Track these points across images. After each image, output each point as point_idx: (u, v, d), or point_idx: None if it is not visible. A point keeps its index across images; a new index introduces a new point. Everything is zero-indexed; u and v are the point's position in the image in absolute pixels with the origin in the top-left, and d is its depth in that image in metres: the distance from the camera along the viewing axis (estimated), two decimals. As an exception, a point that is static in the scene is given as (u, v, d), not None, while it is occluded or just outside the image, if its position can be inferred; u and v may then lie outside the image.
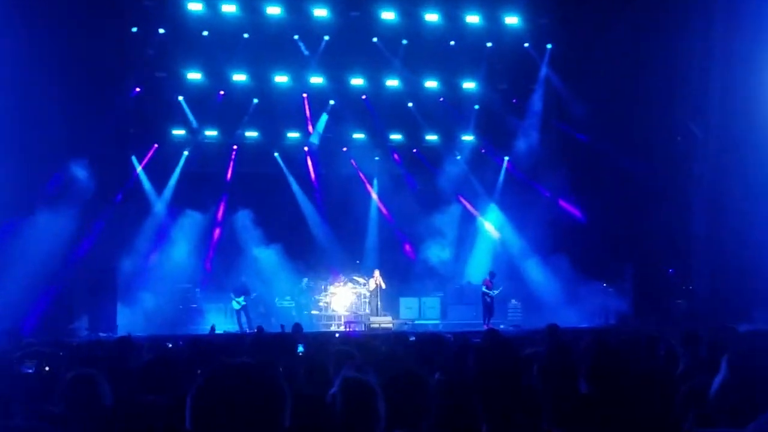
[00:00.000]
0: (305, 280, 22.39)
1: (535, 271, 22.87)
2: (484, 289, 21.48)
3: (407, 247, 24.32)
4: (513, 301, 22.83)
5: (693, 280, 21.27)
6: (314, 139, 24.11)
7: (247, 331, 19.46)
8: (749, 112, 19.37)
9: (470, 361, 3.24)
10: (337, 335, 16.54)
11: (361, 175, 24.78)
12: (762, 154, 19.30)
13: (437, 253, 23.20)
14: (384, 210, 24.79)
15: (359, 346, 8.75)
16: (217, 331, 18.13)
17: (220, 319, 20.98)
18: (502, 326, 20.76)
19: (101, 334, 17.93)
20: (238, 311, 20.99)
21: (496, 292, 21.41)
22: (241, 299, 21.00)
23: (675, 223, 20.70)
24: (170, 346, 9.87)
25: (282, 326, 15.36)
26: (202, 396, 2.03)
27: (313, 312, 22.19)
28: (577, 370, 4.54)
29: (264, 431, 2.01)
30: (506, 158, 24.96)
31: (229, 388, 2.02)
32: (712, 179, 20.23)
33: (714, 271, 20.28)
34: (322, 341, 11.81)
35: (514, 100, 24.59)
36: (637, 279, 21.37)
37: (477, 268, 23.55)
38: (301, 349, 8.20)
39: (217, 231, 23.39)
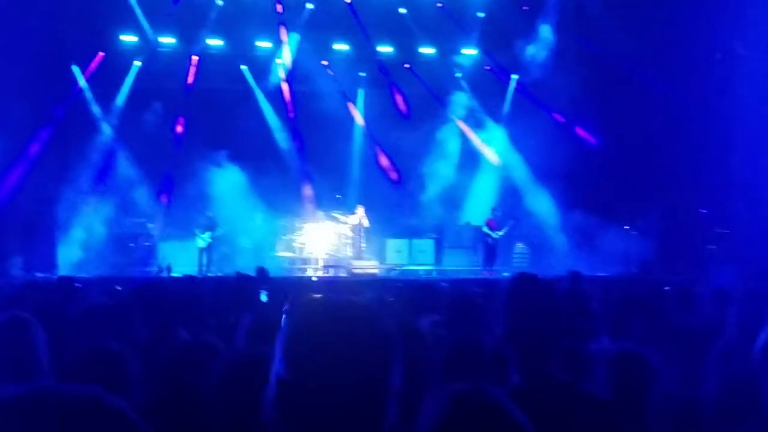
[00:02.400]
0: (260, 215, 22.19)
1: (546, 210, 22.89)
2: (485, 229, 21.51)
3: (395, 177, 24.22)
4: (519, 245, 22.87)
5: (728, 222, 21.32)
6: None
7: (208, 273, 19.49)
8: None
9: (500, 307, 3.22)
10: (314, 279, 16.64)
11: (344, 94, 24.52)
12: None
13: (432, 188, 23.11)
14: (370, 136, 24.62)
15: (341, 294, 8.75)
16: (174, 274, 18.13)
17: (178, 259, 20.96)
18: (505, 274, 20.85)
19: (38, 274, 17.89)
20: (201, 250, 20.98)
21: (500, 233, 21.44)
22: (206, 236, 20.96)
23: (709, 156, 20.66)
24: (119, 289, 9.86)
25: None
26: (296, 340, 1.95)
27: (285, 254, 22.14)
28: (597, 324, 4.58)
29: (373, 385, 1.94)
30: (514, 77, 24.71)
31: (329, 330, 1.94)
32: (755, 105, 20.12)
33: (753, 213, 20.33)
34: (294, 288, 11.86)
35: (525, 7, 24.20)
36: (664, 220, 21.41)
37: (478, 207, 23.49)
38: (264, 297, 8.19)
39: (174, 157, 23.20)
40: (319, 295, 2.08)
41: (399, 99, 24.48)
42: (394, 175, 24.23)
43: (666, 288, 8.10)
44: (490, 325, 3.88)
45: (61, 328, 5.26)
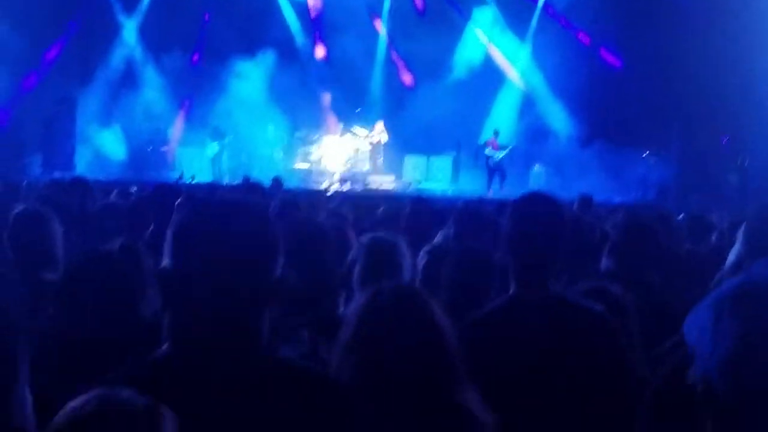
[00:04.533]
0: (277, 125, 22.13)
1: (565, 133, 22.75)
2: (487, 151, 21.46)
3: (410, 82, 23.96)
4: (537, 166, 22.78)
5: (749, 152, 21.14)
6: None
7: (221, 181, 19.57)
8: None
9: (506, 220, 3.28)
10: (328, 194, 16.70)
11: (368, 5, 24.19)
12: None
13: (453, 104, 22.90)
14: (393, 51, 24.38)
15: (352, 205, 8.84)
16: (187, 180, 18.23)
17: (196, 167, 21.07)
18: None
19: (56, 173, 18.08)
20: (212, 159, 21.07)
21: (501, 154, 21.35)
22: (215, 144, 21.02)
23: (734, 83, 20.34)
24: (134, 190, 9.98)
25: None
26: (185, 231, 2.04)
27: (301, 165, 22.18)
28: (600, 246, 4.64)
29: (254, 278, 2.04)
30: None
31: (218, 223, 2.03)
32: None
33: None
34: (308, 198, 11.94)
35: None
36: (684, 147, 21.27)
37: (499, 126, 23.36)
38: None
39: (196, 59, 23.11)
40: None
41: (423, 9, 24.08)
42: (408, 79, 24.04)
43: (680, 215, 8.12)
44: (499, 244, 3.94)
45: (76, 226, 5.39)
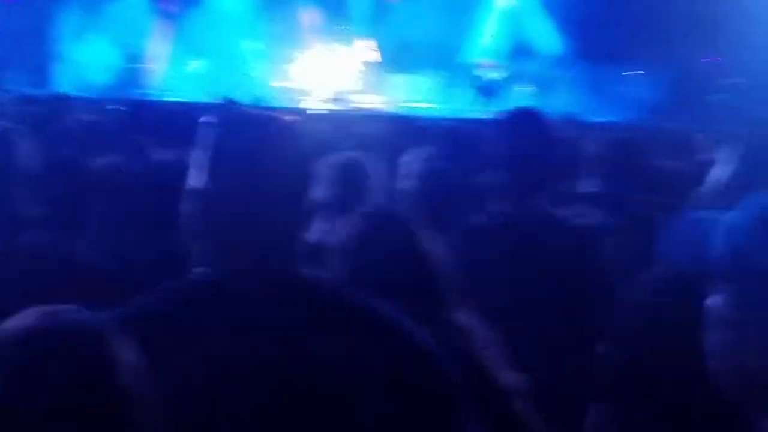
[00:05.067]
0: (257, 41, 21.76)
1: (555, 50, 22.55)
2: (480, 71, 21.31)
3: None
4: (524, 86, 22.62)
5: (740, 71, 21.10)
6: None
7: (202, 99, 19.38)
8: None
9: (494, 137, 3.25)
10: (318, 113, 16.65)
11: None
12: None
13: (439, 20, 22.56)
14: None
15: (334, 125, 8.77)
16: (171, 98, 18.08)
17: (179, 85, 20.83)
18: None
19: (31, 89, 17.77)
20: (194, 76, 20.84)
21: (495, 75, 21.20)
22: (196, 63, 20.80)
23: (731, 5, 20.22)
24: (113, 108, 9.84)
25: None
26: (224, 149, 2.00)
27: (282, 84, 21.94)
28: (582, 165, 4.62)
29: (294, 196, 2.00)
30: None
31: (258, 141, 1.99)
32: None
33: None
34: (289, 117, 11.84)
35: None
36: (673, 65, 21.20)
37: (484, 43, 23.07)
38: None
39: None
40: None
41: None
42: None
43: (667, 132, 8.12)
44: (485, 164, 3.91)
45: (47, 142, 5.29)
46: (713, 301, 1.49)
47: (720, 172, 2.62)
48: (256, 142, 1.95)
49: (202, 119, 2.08)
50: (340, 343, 1.91)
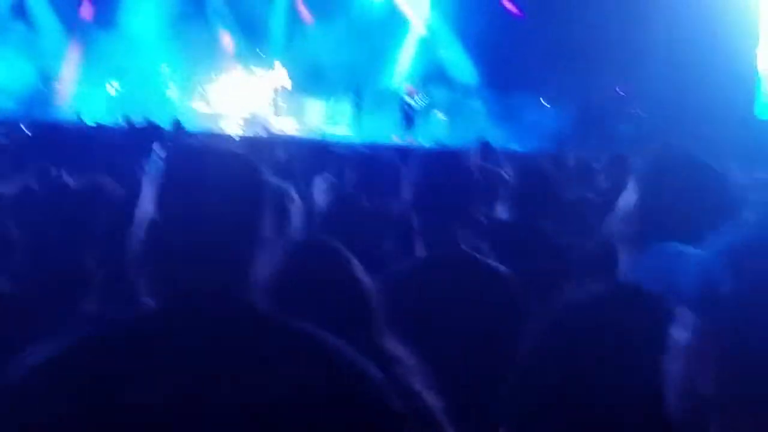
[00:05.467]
0: (174, 63, 21.63)
1: (468, 80, 22.88)
2: (405, 97, 21.45)
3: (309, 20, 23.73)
4: (437, 113, 22.87)
5: (643, 102, 21.69)
6: None
7: (122, 123, 19.08)
8: None
9: (410, 177, 3.27)
10: (237, 139, 16.50)
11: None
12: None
13: (353, 46, 22.66)
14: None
15: (252, 150, 8.73)
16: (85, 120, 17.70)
17: (90, 107, 20.47)
18: (422, 141, 20.94)
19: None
20: (111, 98, 20.53)
21: (421, 102, 21.40)
22: (114, 83, 20.51)
23: (632, 34, 20.77)
24: (22, 130, 9.59)
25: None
26: (175, 180, 1.96)
27: (199, 105, 21.74)
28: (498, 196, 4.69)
29: (245, 229, 1.98)
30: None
31: (211, 173, 1.95)
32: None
33: (671, 94, 20.70)
34: (207, 142, 11.73)
35: None
36: (581, 96, 21.68)
37: (401, 73, 23.30)
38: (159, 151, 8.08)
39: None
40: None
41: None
42: (308, 17, 23.75)
43: (570, 161, 8.31)
44: (404, 193, 3.94)
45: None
46: (677, 330, 1.53)
47: (626, 200, 2.70)
48: (202, 171, 1.94)
49: (154, 148, 2.07)
50: (286, 373, 1.91)
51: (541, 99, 21.86)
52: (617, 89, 21.98)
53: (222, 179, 1.93)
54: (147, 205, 1.95)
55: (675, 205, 2.57)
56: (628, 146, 19.39)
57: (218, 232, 1.90)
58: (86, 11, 22.21)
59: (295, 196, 3.58)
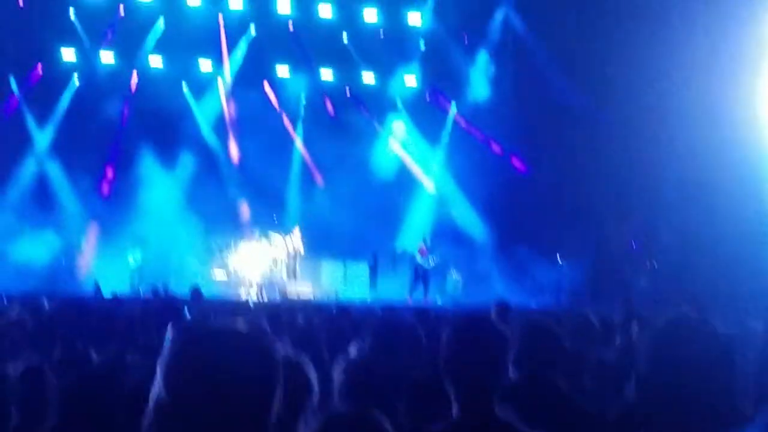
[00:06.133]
0: (194, 233, 22.00)
1: (480, 239, 23.11)
2: (418, 258, 21.62)
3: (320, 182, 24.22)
4: (453, 273, 22.97)
5: (657, 256, 21.70)
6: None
7: (142, 293, 19.24)
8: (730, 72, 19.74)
9: (445, 336, 3.30)
10: (251, 305, 16.56)
11: (284, 116, 24.56)
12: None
13: (368, 213, 23.08)
14: (308, 159, 24.66)
15: (270, 317, 8.77)
16: (104, 293, 17.85)
17: (111, 279, 20.66)
18: (438, 302, 20.95)
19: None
20: (133, 270, 20.76)
21: (431, 262, 21.57)
22: (137, 256, 20.76)
23: (644, 190, 21.04)
24: (45, 306, 9.68)
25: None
26: (179, 366, 1.97)
27: (218, 273, 21.96)
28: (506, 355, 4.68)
29: (255, 408, 1.99)
30: (454, 106, 25.00)
31: (214, 359, 1.97)
32: (687, 138, 20.44)
33: (683, 248, 20.72)
34: (223, 311, 11.80)
35: (466, 40, 24.61)
36: (595, 251, 21.72)
37: (413, 234, 23.60)
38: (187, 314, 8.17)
39: (110, 173, 22.97)
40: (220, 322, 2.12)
41: (339, 124, 24.48)
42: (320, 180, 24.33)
43: (590, 320, 8.27)
44: (426, 355, 3.96)
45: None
46: None
47: (641, 357, 2.72)
48: (211, 353, 1.94)
49: (168, 331, 2.09)
50: None
51: (557, 255, 21.89)
52: (632, 242, 22.04)
53: (232, 361, 1.94)
54: (158, 385, 1.97)
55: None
56: (643, 300, 19.44)
57: (227, 416, 1.89)
58: (105, 188, 22.90)
59: (312, 372, 3.57)
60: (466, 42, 24.61)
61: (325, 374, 4.33)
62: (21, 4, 21.55)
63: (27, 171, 22.11)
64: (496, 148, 24.19)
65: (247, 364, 1.98)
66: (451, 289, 22.55)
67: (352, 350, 5.47)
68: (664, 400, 2.69)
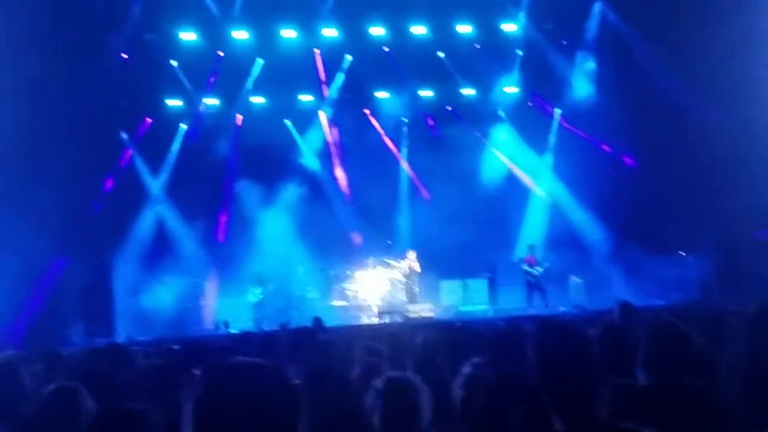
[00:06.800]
0: (310, 265, 22.28)
1: (599, 242, 22.67)
2: (525, 267, 21.45)
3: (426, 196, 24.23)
4: (573, 278, 22.59)
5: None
6: None
7: (265, 328, 19.61)
8: None
9: (529, 352, 3.24)
10: (375, 328, 16.69)
11: (387, 140, 24.72)
12: None
13: (481, 227, 22.97)
14: (416, 179, 24.73)
15: (390, 338, 8.77)
16: (231, 330, 18.28)
17: (235, 316, 21.13)
18: (562, 308, 20.63)
19: (98, 340, 18.16)
20: (255, 305, 21.20)
21: (540, 269, 21.35)
22: (257, 291, 21.19)
23: (762, 178, 20.33)
24: (176, 348, 9.94)
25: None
26: (205, 402, 2.01)
27: (339, 303, 22.21)
28: (634, 356, 4.52)
29: None
30: (558, 111, 24.71)
31: (236, 392, 1.99)
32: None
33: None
34: (346, 336, 11.88)
35: (564, 42, 24.28)
36: (720, 245, 21.03)
37: (530, 242, 23.31)
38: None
39: (224, 216, 23.56)
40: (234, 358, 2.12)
41: (443, 142, 24.46)
42: (425, 194, 24.32)
43: (714, 312, 7.94)
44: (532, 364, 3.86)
45: (109, 394, 5.35)
46: None
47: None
48: (236, 392, 1.95)
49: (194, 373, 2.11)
50: None
51: (678, 251, 21.29)
52: (758, 234, 21.23)
53: (252, 393, 1.94)
54: (185, 426, 1.98)
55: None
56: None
57: None
58: (221, 228, 23.51)
59: (423, 394, 3.52)
60: (564, 44, 24.28)
61: (445, 391, 4.28)
62: (124, 57, 22.26)
63: (146, 220, 22.81)
64: (604, 147, 23.74)
65: (267, 394, 1.98)
66: (573, 294, 22.19)
67: (470, 365, 5.42)
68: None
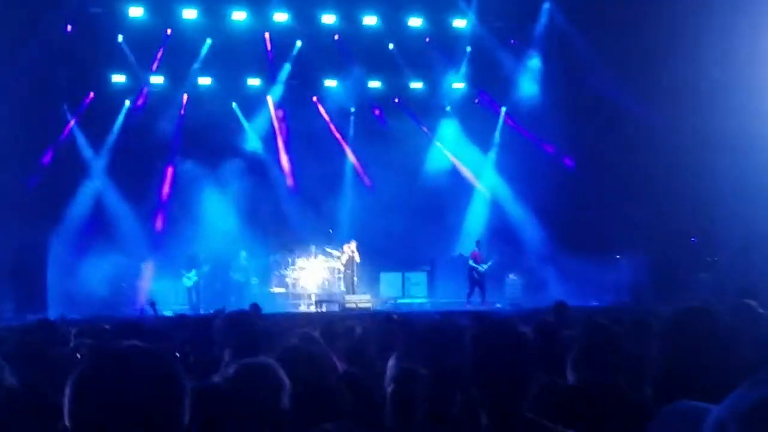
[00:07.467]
0: (249, 251, 22.18)
1: (538, 241, 22.96)
2: (471, 263, 21.63)
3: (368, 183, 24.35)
4: (511, 276, 22.90)
5: (718, 250, 21.34)
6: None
7: (199, 311, 19.45)
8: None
9: (465, 347, 3.28)
10: (313, 317, 16.68)
11: (334, 129, 24.69)
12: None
13: (422, 220, 23.12)
14: (360, 170, 24.74)
15: (325, 327, 8.79)
16: (160, 311, 18.02)
17: (172, 299, 20.94)
18: (498, 305, 20.87)
19: (30, 317, 17.82)
20: (189, 289, 21.01)
21: (485, 266, 21.56)
22: (192, 274, 21.01)
23: (699, 184, 20.72)
24: (108, 328, 9.83)
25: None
26: (81, 386, 1.98)
27: (278, 290, 22.16)
28: (565, 357, 4.63)
29: (158, 430, 1.98)
30: (503, 108, 24.93)
31: (115, 378, 1.97)
32: (740, 131, 20.15)
33: (744, 241, 20.36)
34: (283, 322, 11.88)
35: (512, 41, 24.50)
36: (654, 249, 21.44)
37: (469, 238, 23.55)
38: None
39: (165, 193, 23.29)
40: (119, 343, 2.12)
41: (389, 133, 24.51)
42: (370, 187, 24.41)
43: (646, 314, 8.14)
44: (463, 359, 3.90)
45: (40, 372, 5.28)
46: None
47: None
48: (121, 376, 1.94)
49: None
50: None
51: (614, 254, 21.68)
52: (692, 239, 21.71)
53: (134, 381, 1.95)
54: (66, 404, 1.98)
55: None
56: (708, 294, 19.09)
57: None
58: (160, 215, 23.26)
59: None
60: (513, 42, 24.49)
61: (376, 383, 4.32)
62: (68, 29, 21.85)
63: (84, 197, 22.43)
64: (546, 148, 24.02)
65: (147, 383, 1.98)
66: (510, 292, 22.49)
67: (398, 356, 5.46)
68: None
